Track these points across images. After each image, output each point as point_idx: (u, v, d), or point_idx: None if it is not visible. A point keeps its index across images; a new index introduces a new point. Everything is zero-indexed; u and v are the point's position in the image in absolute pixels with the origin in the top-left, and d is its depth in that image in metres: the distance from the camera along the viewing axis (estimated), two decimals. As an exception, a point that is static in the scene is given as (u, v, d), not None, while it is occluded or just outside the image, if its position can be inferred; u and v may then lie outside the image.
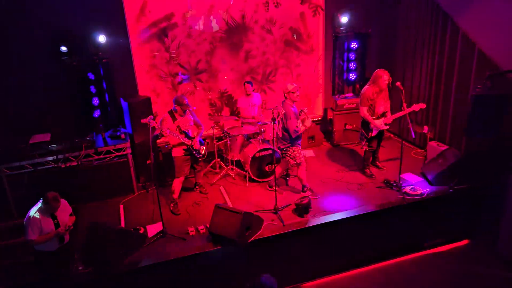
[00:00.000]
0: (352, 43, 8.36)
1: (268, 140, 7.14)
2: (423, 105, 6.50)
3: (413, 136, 6.40)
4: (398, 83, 6.15)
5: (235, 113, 8.07)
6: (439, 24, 7.04)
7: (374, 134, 6.62)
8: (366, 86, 6.56)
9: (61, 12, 6.57)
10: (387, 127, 6.64)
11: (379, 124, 6.51)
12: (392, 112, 6.61)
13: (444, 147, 6.99)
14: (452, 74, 6.89)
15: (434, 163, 6.68)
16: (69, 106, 6.99)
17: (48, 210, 4.64)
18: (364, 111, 6.53)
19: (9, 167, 6.04)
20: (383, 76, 6.31)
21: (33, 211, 4.64)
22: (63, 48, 6.47)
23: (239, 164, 7.40)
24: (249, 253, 5.40)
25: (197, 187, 6.81)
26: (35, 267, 5.21)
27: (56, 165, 6.24)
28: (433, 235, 6.27)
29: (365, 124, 6.65)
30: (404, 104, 6.13)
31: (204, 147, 6.29)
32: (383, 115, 6.54)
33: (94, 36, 6.69)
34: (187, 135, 6.02)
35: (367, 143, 6.79)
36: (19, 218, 6.08)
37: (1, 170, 6.01)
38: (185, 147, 6.03)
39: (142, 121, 5.48)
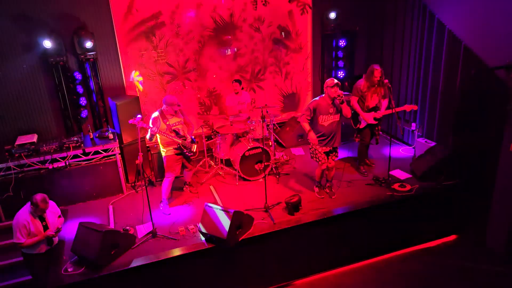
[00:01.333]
0: (340, 41, 8.40)
1: (258, 139, 7.14)
2: (414, 107, 6.58)
3: (401, 133, 6.46)
4: (386, 81, 6.22)
5: (223, 111, 8.05)
6: (425, 21, 7.10)
7: (362, 126, 6.67)
8: (360, 79, 6.68)
9: (46, 10, 6.49)
10: (376, 122, 6.68)
11: (367, 117, 6.56)
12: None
13: (432, 143, 7.07)
14: (439, 70, 6.95)
15: (422, 159, 6.74)
16: (56, 106, 6.91)
17: (37, 212, 4.59)
18: (354, 101, 6.61)
19: (-5, 169, 5.95)
20: (374, 72, 6.37)
21: (21, 214, 4.59)
22: (47, 43, 6.37)
23: (229, 163, 7.39)
24: (240, 252, 5.40)
25: (186, 186, 6.79)
26: (25, 269, 5.16)
27: (43, 166, 6.17)
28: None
29: (355, 115, 6.70)
30: (392, 102, 6.18)
31: (195, 145, 6.27)
32: (375, 110, 6.58)
33: (80, 35, 6.61)
34: (177, 134, 5.99)
35: (358, 135, 6.86)
36: (6, 220, 6.01)
37: (-13, 172, 5.93)
38: (176, 145, 6.00)
39: (130, 121, 5.43)
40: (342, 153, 7.63)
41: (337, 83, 5.68)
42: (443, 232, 6.53)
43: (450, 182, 6.33)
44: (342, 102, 5.69)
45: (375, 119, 6.61)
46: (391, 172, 6.65)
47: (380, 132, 6.97)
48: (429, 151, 6.78)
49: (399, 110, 6.48)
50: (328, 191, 6.38)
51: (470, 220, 6.51)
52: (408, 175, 6.74)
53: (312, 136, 5.85)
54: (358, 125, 6.71)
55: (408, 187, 6.28)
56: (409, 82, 7.81)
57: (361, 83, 6.56)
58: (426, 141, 7.22)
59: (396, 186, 6.32)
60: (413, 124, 7.70)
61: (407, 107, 6.55)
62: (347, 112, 5.80)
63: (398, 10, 7.81)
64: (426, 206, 6.27)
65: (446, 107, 6.92)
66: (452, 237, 6.57)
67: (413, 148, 7.55)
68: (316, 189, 6.43)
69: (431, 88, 7.22)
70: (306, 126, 5.88)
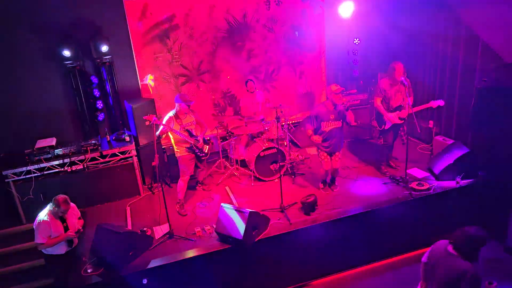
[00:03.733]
0: (354, 39, 8.32)
1: (273, 139, 7.13)
2: (441, 102, 6.36)
3: (419, 131, 6.34)
4: (402, 78, 6.12)
5: (238, 112, 8.06)
6: (442, 16, 6.99)
7: (387, 127, 6.56)
8: (382, 78, 6.59)
9: (62, 16, 6.60)
10: (401, 121, 6.55)
11: (392, 117, 6.45)
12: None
13: (450, 141, 6.96)
14: (456, 67, 6.84)
15: (440, 157, 6.65)
16: (73, 110, 7.03)
17: (58, 213, 4.67)
18: (378, 102, 6.50)
19: (16, 172, 6.08)
20: (396, 69, 6.26)
21: (43, 215, 4.68)
22: (66, 53, 6.50)
23: (244, 163, 7.40)
24: (256, 252, 5.41)
25: (199, 185, 6.84)
26: (46, 270, 5.26)
27: (62, 169, 6.28)
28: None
29: (379, 116, 6.61)
30: (410, 98, 6.09)
31: (207, 146, 6.30)
32: (399, 109, 6.47)
33: (96, 39, 6.71)
34: (190, 134, 6.04)
35: (381, 137, 6.77)
36: (27, 222, 6.14)
37: (8, 176, 6.06)
38: (188, 145, 6.05)
39: (145, 118, 5.51)
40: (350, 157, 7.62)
41: (341, 90, 5.75)
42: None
43: (469, 181, 6.23)
44: (347, 109, 5.78)
45: (400, 118, 6.48)
46: (409, 171, 6.56)
47: (405, 132, 6.86)
48: (447, 149, 6.68)
49: (425, 107, 6.38)
50: (331, 185, 6.55)
51: (490, 218, 6.36)
52: (426, 174, 6.65)
53: (314, 137, 5.99)
54: (383, 126, 6.59)
55: (426, 185, 6.19)
56: (426, 79, 7.69)
57: (384, 82, 6.42)
58: (444, 139, 7.11)
59: (414, 185, 6.23)
60: (431, 122, 7.58)
61: (433, 103, 6.33)
62: (351, 119, 5.92)
63: (414, 4, 7.67)
64: (445, 205, 6.17)
65: (464, 103, 6.80)
66: (472, 236, 6.45)
67: (431, 146, 7.44)
68: (321, 185, 6.56)
69: (449, 84, 7.11)
70: (309, 131, 6.04)
